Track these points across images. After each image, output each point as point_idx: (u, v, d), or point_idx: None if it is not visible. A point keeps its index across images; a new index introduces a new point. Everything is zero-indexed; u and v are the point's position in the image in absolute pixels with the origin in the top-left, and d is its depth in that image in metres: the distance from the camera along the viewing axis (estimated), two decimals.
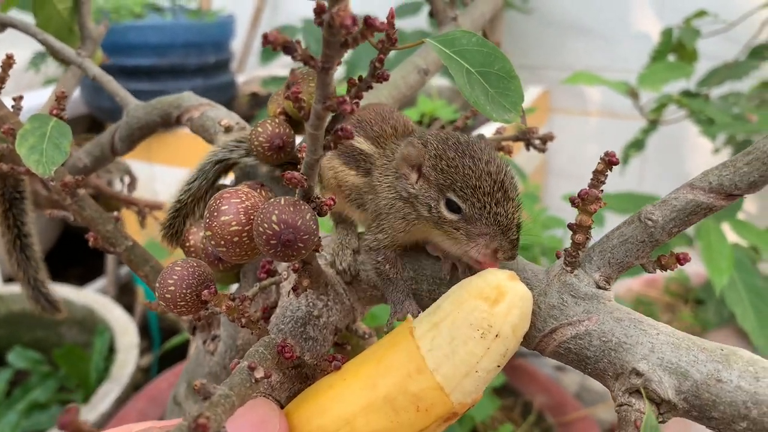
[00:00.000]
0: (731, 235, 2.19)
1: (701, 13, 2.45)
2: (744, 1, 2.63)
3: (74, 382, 2.28)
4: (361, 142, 0.72)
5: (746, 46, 2.47)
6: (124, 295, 2.96)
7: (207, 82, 2.77)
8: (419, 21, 2.70)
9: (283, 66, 3.31)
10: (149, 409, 1.98)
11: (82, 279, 3.09)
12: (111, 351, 2.27)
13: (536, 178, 3.06)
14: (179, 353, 2.33)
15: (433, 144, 0.66)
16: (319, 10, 0.42)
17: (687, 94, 2.42)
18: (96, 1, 2.56)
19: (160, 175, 2.67)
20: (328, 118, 0.50)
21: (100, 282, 3.03)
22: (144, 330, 2.64)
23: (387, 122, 0.73)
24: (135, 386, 2.13)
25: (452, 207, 0.63)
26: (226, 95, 2.88)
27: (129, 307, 2.67)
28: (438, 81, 2.88)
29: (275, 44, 0.42)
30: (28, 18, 1.05)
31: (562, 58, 3.21)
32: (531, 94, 2.92)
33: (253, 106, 3.10)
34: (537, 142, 0.86)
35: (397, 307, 0.67)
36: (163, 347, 2.37)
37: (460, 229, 0.63)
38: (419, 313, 0.63)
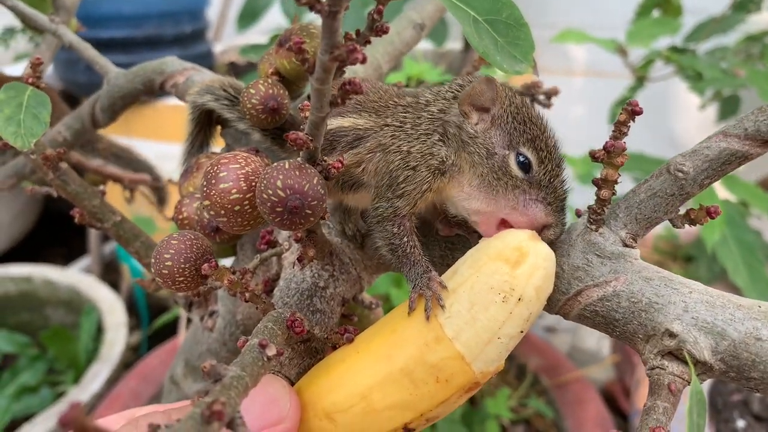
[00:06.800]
0: (720, 191, 2.18)
1: None
2: None
3: (63, 364, 2.24)
4: (331, 122, 0.65)
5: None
6: (109, 274, 2.90)
7: (184, 53, 2.68)
8: None
9: (261, 33, 3.22)
10: (141, 388, 1.95)
11: (65, 258, 3.03)
12: (99, 331, 2.23)
13: None
14: (168, 329, 2.29)
15: (508, 92, 0.61)
16: None
17: (675, 49, 2.39)
18: None
19: (140, 149, 2.59)
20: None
21: (84, 261, 2.96)
22: (131, 307, 2.60)
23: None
24: (125, 365, 2.10)
25: (521, 163, 0.58)
26: (203, 65, 2.79)
27: (114, 285, 2.62)
28: (422, 44, 2.82)
29: None
30: None
31: (545, 16, 3.16)
32: None
33: (231, 76, 3.02)
34: (542, 97, 0.82)
35: (419, 283, 0.58)
36: (152, 325, 2.33)
37: (517, 189, 0.58)
38: (444, 288, 0.57)
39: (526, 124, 0.59)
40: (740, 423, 1.91)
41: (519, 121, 0.59)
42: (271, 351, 0.46)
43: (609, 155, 0.53)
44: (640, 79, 2.42)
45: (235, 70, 3.05)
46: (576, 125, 3.15)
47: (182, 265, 0.55)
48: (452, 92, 0.64)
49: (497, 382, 2.13)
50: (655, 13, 2.50)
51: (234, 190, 0.51)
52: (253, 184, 0.51)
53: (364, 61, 0.42)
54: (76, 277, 2.44)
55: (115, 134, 2.52)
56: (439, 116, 0.63)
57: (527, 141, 0.59)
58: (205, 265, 0.54)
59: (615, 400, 2.28)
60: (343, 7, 0.40)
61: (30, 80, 0.71)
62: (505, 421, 1.92)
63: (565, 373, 2.08)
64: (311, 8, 0.40)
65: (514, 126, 0.59)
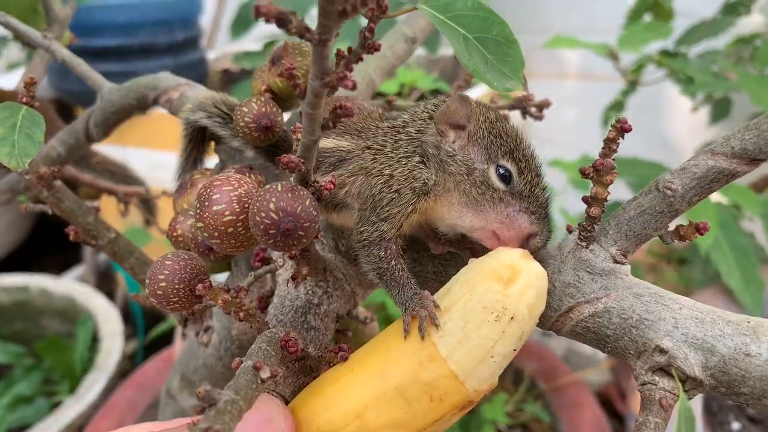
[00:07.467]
0: (713, 194, 2.19)
1: None
2: None
3: (59, 374, 2.23)
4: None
5: (719, 3, 2.45)
6: (105, 282, 2.89)
7: (177, 61, 2.68)
8: None
9: (254, 40, 3.23)
10: (138, 397, 1.95)
11: (59, 267, 3.02)
12: (94, 340, 2.23)
13: None
14: (164, 338, 2.29)
15: (482, 108, 0.62)
16: None
17: (666, 53, 2.40)
18: None
19: (134, 158, 2.59)
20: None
21: (79, 270, 2.96)
22: (126, 316, 2.59)
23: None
24: (121, 374, 2.09)
25: (502, 176, 0.59)
26: (196, 73, 2.80)
27: (110, 294, 2.62)
28: (415, 51, 2.83)
29: (268, 16, 0.38)
30: None
31: (538, 20, 3.16)
32: None
33: (225, 84, 3.02)
34: (533, 109, 0.83)
35: (410, 306, 0.58)
36: (148, 336, 2.32)
37: (501, 201, 0.59)
38: (438, 307, 0.57)
39: (502, 138, 0.60)
40: (735, 425, 1.92)
41: (495, 135, 0.60)
42: (265, 373, 0.46)
43: (598, 173, 0.54)
44: (632, 83, 2.43)
45: (228, 77, 3.05)
46: (569, 128, 3.16)
47: (176, 286, 0.56)
48: (428, 112, 0.65)
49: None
50: (647, 17, 2.51)
51: (227, 213, 0.52)
52: (246, 206, 0.52)
53: (354, 87, 0.42)
54: (72, 286, 2.43)
55: (109, 144, 2.52)
56: (417, 137, 0.63)
57: (505, 153, 0.60)
58: (200, 285, 0.55)
59: (611, 403, 2.29)
60: (333, 36, 0.41)
61: (24, 99, 0.71)
62: (502, 425, 1.93)
63: (562, 377, 2.08)
64: (301, 36, 0.41)
65: (490, 140, 0.60)
